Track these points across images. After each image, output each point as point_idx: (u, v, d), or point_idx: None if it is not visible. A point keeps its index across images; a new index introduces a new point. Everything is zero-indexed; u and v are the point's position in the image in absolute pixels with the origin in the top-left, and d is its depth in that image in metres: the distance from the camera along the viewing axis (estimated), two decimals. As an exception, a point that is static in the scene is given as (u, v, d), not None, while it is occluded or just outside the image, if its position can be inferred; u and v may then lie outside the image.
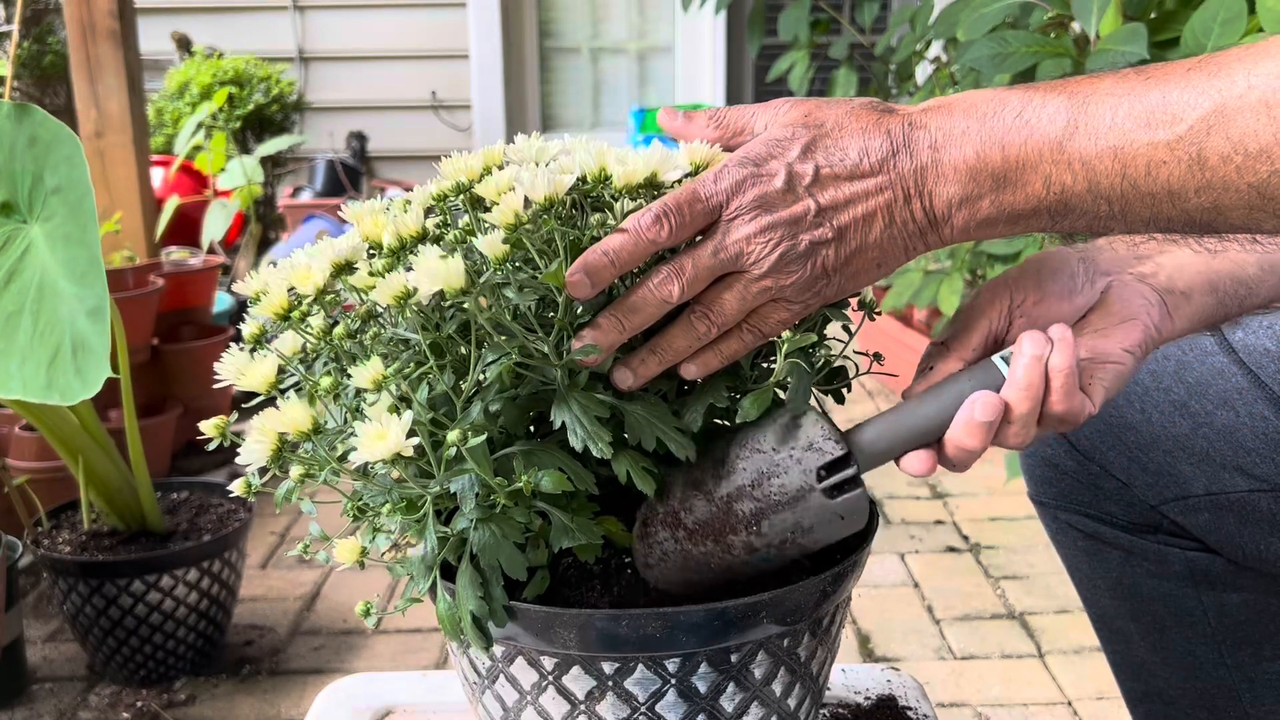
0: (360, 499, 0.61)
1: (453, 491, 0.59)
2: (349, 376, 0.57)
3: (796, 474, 0.60)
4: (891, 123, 0.58)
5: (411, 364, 0.60)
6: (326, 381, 0.58)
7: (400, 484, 0.59)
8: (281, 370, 0.61)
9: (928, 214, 0.57)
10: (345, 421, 0.61)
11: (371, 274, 0.59)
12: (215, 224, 3.03)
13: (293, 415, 0.56)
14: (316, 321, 0.61)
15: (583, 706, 0.63)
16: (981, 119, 0.56)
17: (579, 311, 0.60)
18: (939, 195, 0.57)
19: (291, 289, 0.60)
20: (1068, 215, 0.56)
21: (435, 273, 0.55)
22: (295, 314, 0.60)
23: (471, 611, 0.60)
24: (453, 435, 0.55)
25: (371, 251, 0.62)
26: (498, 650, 0.64)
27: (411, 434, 0.55)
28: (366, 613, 0.63)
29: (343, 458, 0.59)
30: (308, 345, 0.62)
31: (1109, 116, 0.53)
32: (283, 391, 0.62)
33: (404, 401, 0.58)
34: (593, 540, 0.60)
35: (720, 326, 0.60)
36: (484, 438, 0.56)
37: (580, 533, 0.60)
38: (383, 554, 0.63)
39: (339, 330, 0.59)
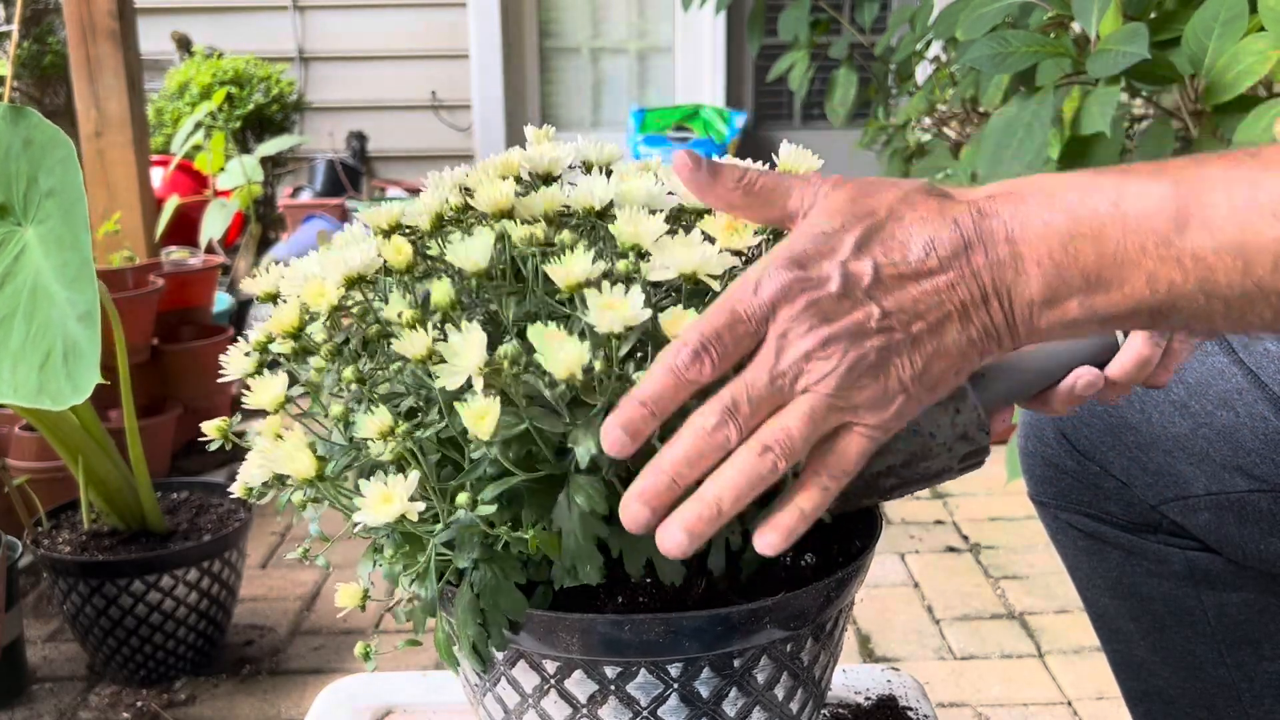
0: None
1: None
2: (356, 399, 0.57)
3: (944, 458, 0.61)
4: (956, 210, 0.50)
5: (421, 400, 0.59)
6: (337, 409, 0.58)
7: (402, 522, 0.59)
8: (282, 365, 0.61)
9: (1007, 316, 0.50)
10: (349, 435, 0.60)
11: (400, 318, 0.57)
12: (214, 223, 3.03)
13: (297, 464, 0.55)
14: (321, 337, 0.60)
15: (584, 710, 0.63)
16: (1067, 210, 0.49)
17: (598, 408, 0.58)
18: (1019, 295, 0.50)
19: (306, 309, 0.60)
20: (1172, 315, 0.49)
21: (473, 365, 0.53)
22: (304, 336, 0.60)
23: (471, 639, 0.60)
24: (462, 498, 0.55)
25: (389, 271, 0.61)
26: (499, 653, 0.64)
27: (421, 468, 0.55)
28: (366, 656, 0.63)
29: (350, 464, 0.59)
30: (315, 362, 0.62)
31: (1225, 205, 0.47)
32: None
33: (410, 434, 0.56)
34: (595, 578, 0.59)
35: (788, 459, 0.50)
36: (494, 507, 0.55)
37: (582, 573, 0.59)
38: (393, 605, 0.63)
39: (348, 374, 0.57)
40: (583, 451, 0.55)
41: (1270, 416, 0.79)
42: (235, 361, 0.63)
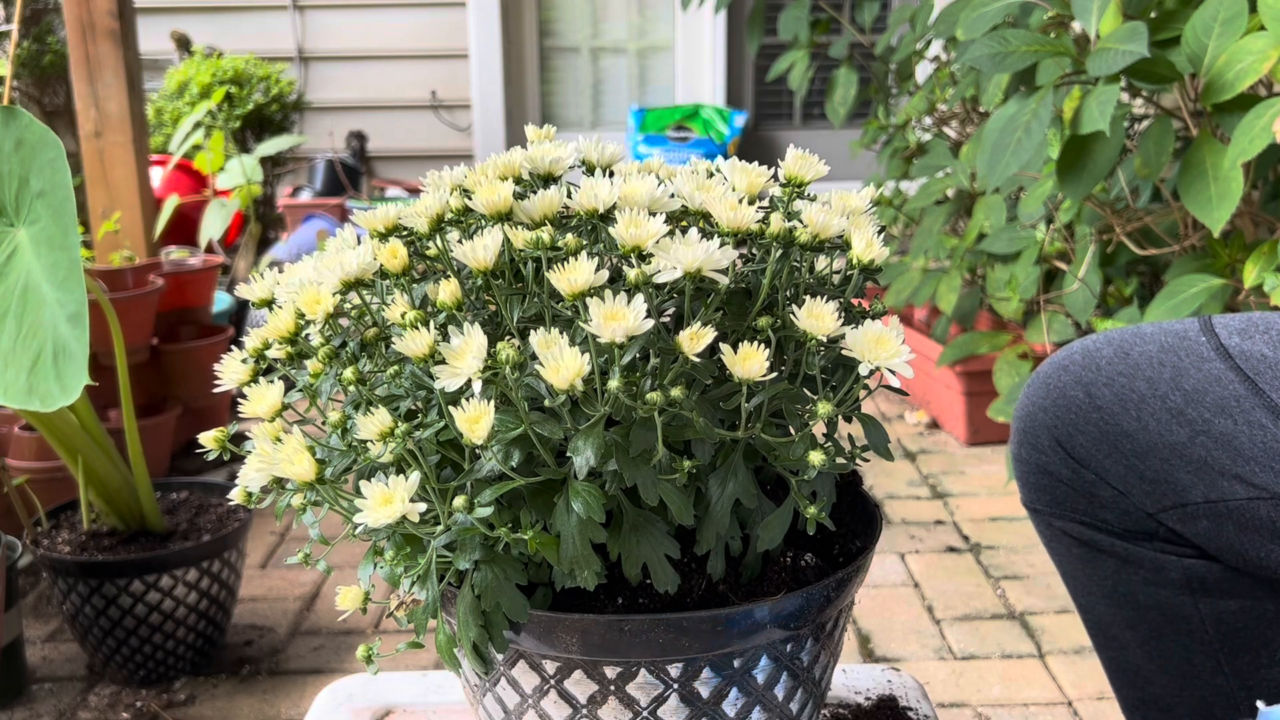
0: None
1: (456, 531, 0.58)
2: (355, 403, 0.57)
3: None
4: None
5: (420, 402, 0.59)
6: (335, 416, 0.58)
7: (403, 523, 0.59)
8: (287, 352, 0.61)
9: None
10: (347, 441, 0.60)
11: (404, 319, 0.57)
12: (213, 223, 3.03)
13: (296, 467, 0.55)
14: (319, 342, 0.60)
15: (584, 710, 0.62)
16: None
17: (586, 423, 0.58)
18: None
19: (302, 315, 0.59)
20: None
21: (475, 368, 0.54)
22: (301, 340, 0.59)
23: (473, 640, 0.60)
24: (459, 501, 0.55)
25: (384, 275, 0.61)
26: (499, 654, 0.64)
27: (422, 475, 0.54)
28: (369, 659, 0.63)
29: (349, 466, 0.59)
30: (312, 366, 0.62)
31: None
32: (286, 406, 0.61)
33: (410, 434, 0.56)
34: (593, 583, 0.59)
35: None
36: (491, 509, 0.55)
37: (580, 577, 0.59)
38: (394, 610, 0.63)
39: (347, 375, 0.58)
40: (581, 462, 0.55)
41: (1268, 424, 0.78)
42: (230, 369, 0.63)
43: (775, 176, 0.67)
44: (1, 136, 1.27)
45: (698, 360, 0.55)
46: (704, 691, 0.62)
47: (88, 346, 1.16)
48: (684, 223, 0.63)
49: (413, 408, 0.60)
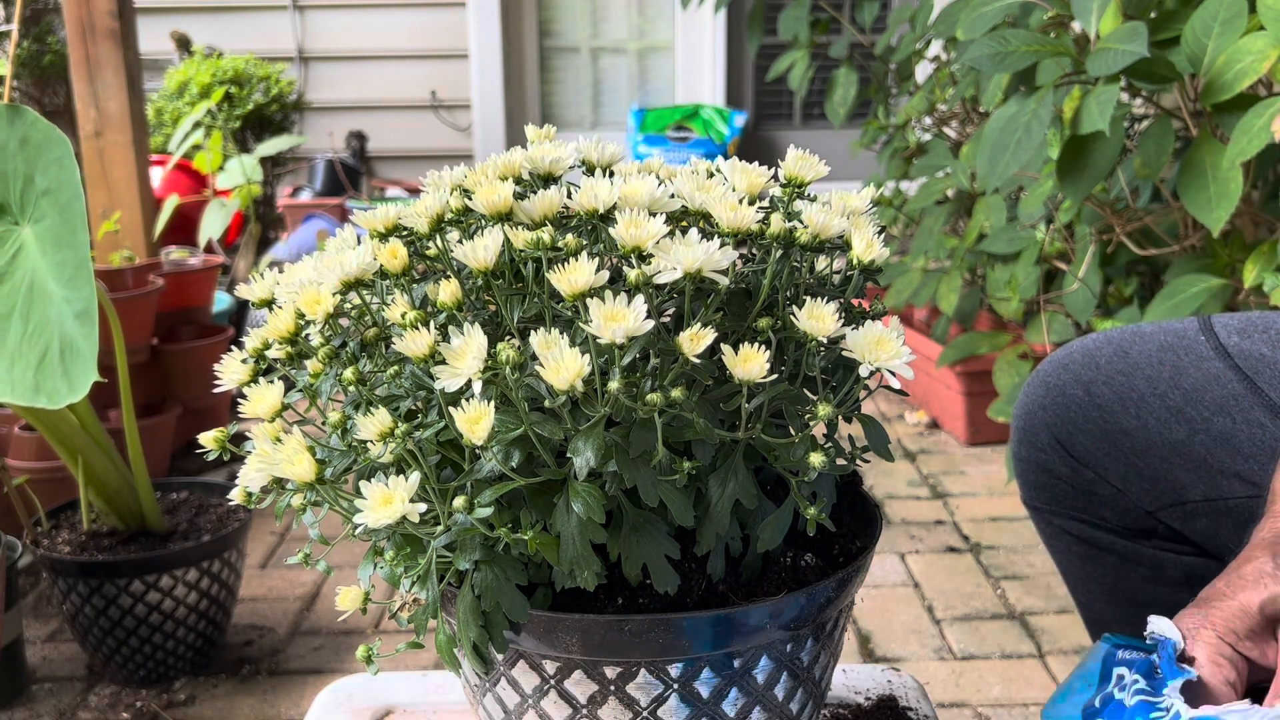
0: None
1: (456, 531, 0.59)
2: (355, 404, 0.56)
3: None
4: None
5: (420, 402, 0.59)
6: (335, 416, 0.58)
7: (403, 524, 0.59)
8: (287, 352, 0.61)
9: None
10: (347, 441, 0.60)
11: (404, 319, 0.57)
12: (213, 223, 3.03)
13: (296, 468, 0.55)
14: (319, 342, 0.60)
15: (584, 710, 0.63)
16: None
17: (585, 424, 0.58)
18: None
19: (302, 315, 0.59)
20: None
21: (475, 369, 0.54)
22: (301, 340, 0.59)
23: (473, 640, 0.60)
24: (459, 502, 0.55)
25: (384, 275, 0.61)
26: (499, 654, 0.64)
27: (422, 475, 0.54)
28: (369, 660, 0.63)
29: (349, 466, 0.59)
30: (312, 366, 0.62)
31: None
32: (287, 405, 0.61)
33: (410, 434, 0.56)
34: (593, 584, 0.59)
35: None
36: (491, 510, 0.55)
37: (580, 578, 0.59)
38: (396, 611, 0.63)
39: (348, 375, 0.58)
40: (581, 462, 0.55)
41: (1267, 422, 0.79)
42: (230, 369, 0.63)
43: (775, 177, 0.67)
44: (6, 135, 1.27)
45: (698, 361, 0.55)
46: (704, 691, 0.62)
47: (96, 344, 1.17)
48: (684, 223, 0.63)
49: (413, 408, 0.60)
